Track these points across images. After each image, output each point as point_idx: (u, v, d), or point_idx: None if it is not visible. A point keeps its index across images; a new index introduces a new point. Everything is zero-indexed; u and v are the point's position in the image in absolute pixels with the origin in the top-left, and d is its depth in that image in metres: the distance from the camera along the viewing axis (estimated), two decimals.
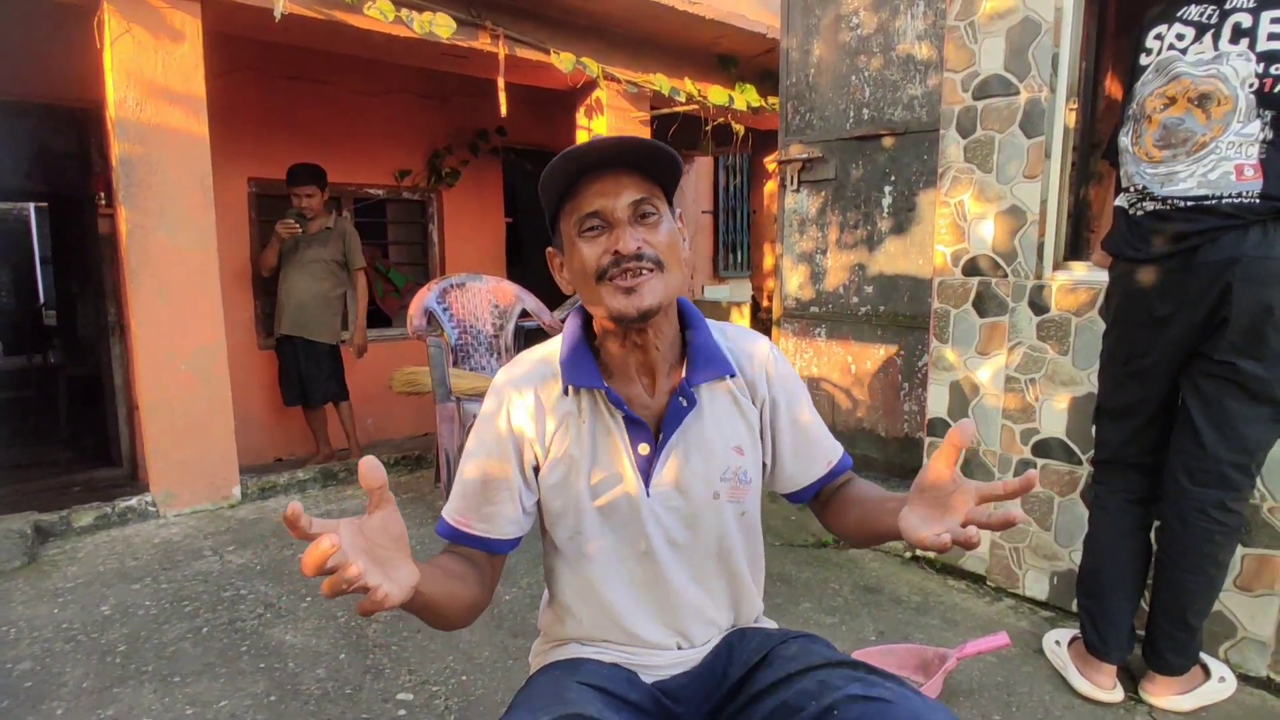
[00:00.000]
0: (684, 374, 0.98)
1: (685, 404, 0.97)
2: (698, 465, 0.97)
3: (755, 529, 1.05)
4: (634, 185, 0.90)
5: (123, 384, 3.88)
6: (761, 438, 1.03)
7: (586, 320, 1.01)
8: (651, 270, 0.90)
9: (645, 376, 0.99)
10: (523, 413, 0.97)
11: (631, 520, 0.97)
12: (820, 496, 1.08)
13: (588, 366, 0.97)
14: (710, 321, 1.05)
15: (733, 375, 1.00)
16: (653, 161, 0.91)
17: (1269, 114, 1.50)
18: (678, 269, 0.94)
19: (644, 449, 0.97)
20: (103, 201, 3.64)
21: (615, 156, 0.90)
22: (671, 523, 0.98)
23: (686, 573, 1.00)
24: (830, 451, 1.07)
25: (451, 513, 0.99)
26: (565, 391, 0.97)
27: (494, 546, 0.98)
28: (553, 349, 1.02)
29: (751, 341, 1.05)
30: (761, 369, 1.03)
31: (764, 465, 1.05)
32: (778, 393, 1.03)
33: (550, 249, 1.01)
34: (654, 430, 0.98)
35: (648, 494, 0.96)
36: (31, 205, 9.11)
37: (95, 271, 4.08)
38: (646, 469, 0.97)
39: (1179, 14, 1.61)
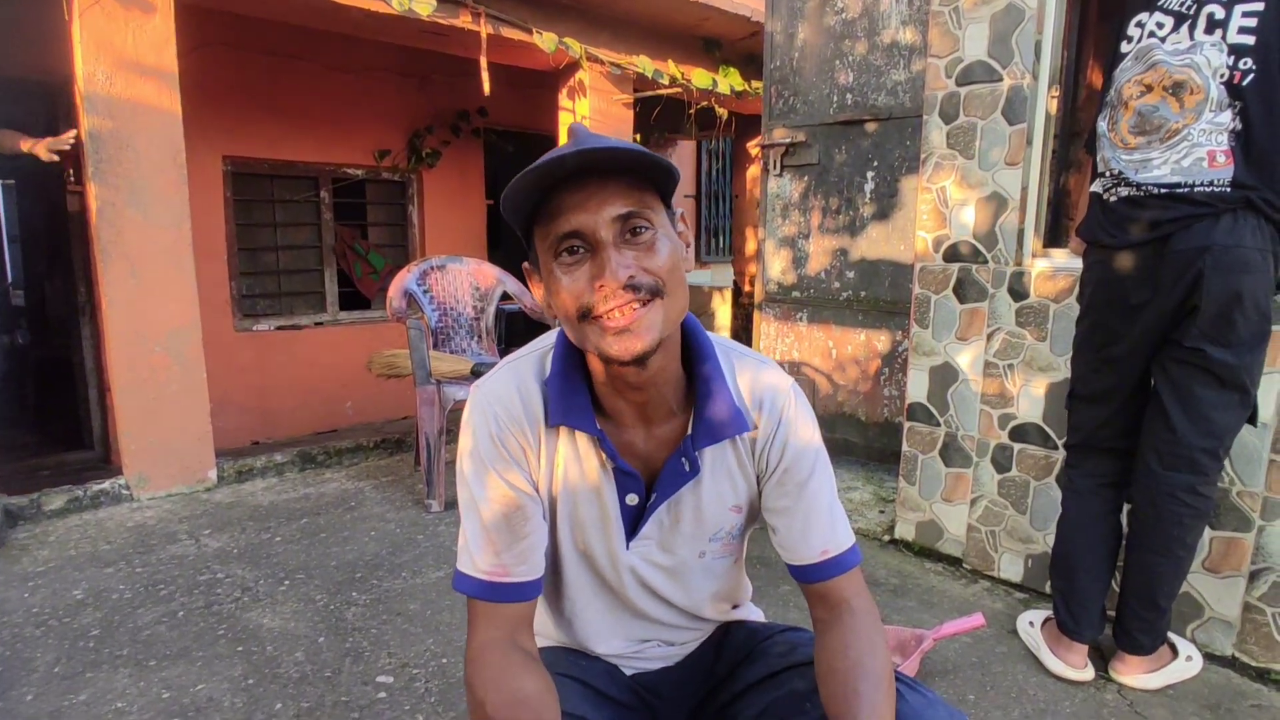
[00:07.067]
0: (689, 428, 0.85)
1: (687, 468, 0.85)
2: (688, 527, 0.90)
3: (741, 552, 1.00)
4: (620, 194, 0.73)
5: (94, 366, 3.80)
6: (759, 488, 0.92)
7: None
8: (648, 301, 0.74)
9: (640, 423, 0.86)
10: (512, 434, 0.84)
11: (609, 568, 0.91)
12: (813, 594, 0.90)
13: (580, 403, 0.83)
14: (717, 342, 0.89)
15: (745, 432, 0.86)
16: (643, 164, 0.74)
17: (1239, 104, 1.52)
18: (680, 292, 0.78)
19: (632, 499, 0.87)
20: (71, 178, 3.55)
21: (594, 164, 0.73)
22: (651, 574, 0.92)
23: (665, 609, 0.96)
24: (829, 539, 0.88)
25: (480, 565, 0.84)
26: (551, 423, 0.84)
27: (534, 590, 0.86)
28: (537, 361, 0.87)
29: (771, 387, 0.88)
30: (776, 418, 0.88)
31: (756, 510, 0.95)
32: (790, 451, 0.88)
33: (526, 265, 0.84)
34: (646, 483, 0.87)
35: (627, 547, 0.89)
36: None
37: (64, 250, 3.98)
38: (631, 521, 0.88)
39: (1160, 2, 1.62)
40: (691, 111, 4.65)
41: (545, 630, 1.01)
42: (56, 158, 2.73)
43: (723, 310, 5.81)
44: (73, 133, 2.70)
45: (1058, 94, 2.14)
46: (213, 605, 2.10)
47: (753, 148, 5.75)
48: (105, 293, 2.80)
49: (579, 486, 0.87)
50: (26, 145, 2.70)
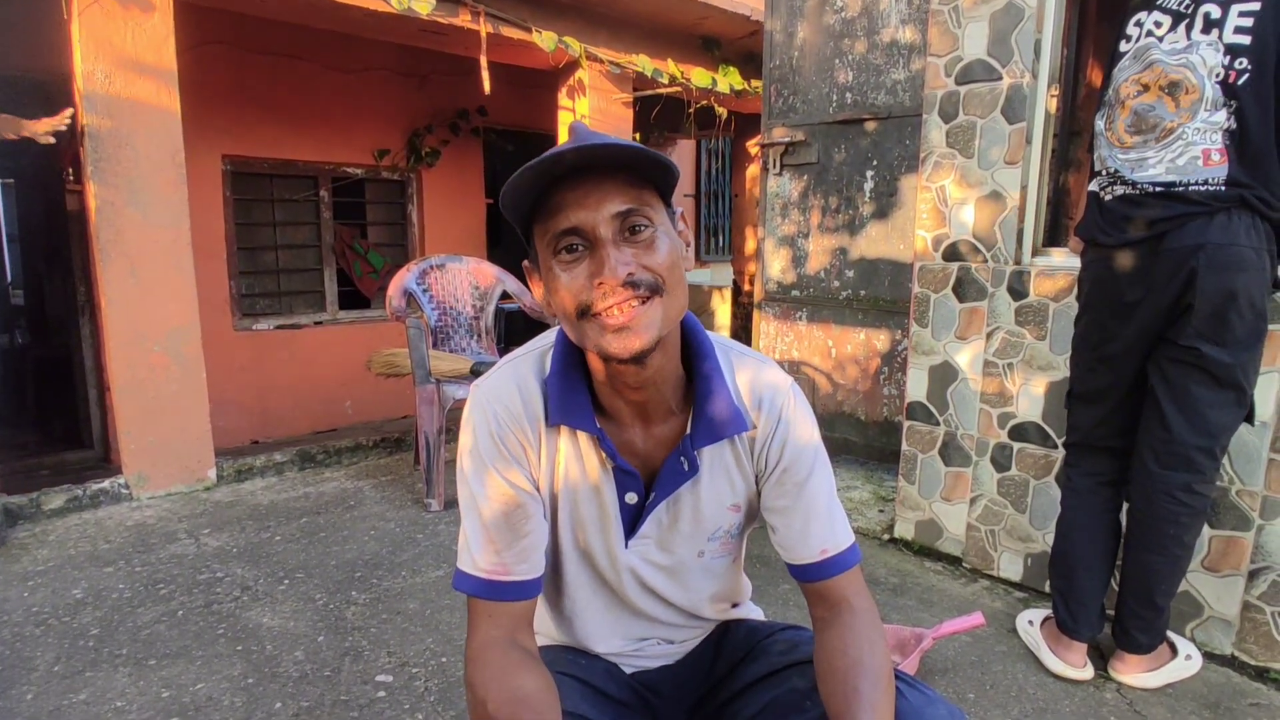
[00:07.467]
0: (688, 428, 0.85)
1: (685, 468, 0.85)
2: (686, 526, 0.90)
3: (740, 552, 1.00)
4: (619, 192, 0.73)
5: (93, 365, 3.80)
6: (758, 487, 0.91)
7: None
8: (647, 299, 0.74)
9: (639, 422, 0.86)
10: (512, 432, 0.85)
11: (608, 567, 0.91)
12: (813, 593, 0.90)
13: (580, 402, 0.83)
14: (717, 341, 0.89)
15: (744, 431, 0.86)
16: (642, 161, 0.74)
17: (1234, 104, 1.52)
18: (680, 290, 0.78)
19: (631, 498, 0.87)
20: (70, 177, 3.55)
21: (593, 160, 0.73)
22: (649, 574, 0.92)
23: (664, 608, 0.96)
24: (829, 539, 0.88)
25: (481, 563, 0.84)
26: (551, 422, 0.84)
27: (534, 589, 0.86)
28: (537, 360, 0.87)
29: (770, 386, 0.88)
30: (776, 417, 0.87)
31: (755, 509, 0.94)
32: (789, 450, 0.88)
33: (526, 263, 0.84)
34: (645, 482, 0.87)
35: (626, 545, 0.89)
36: None
37: (64, 250, 3.98)
38: (630, 520, 0.89)
39: (1159, 1, 1.62)
40: (691, 110, 4.65)
41: (545, 629, 1.01)
42: (53, 139, 2.70)
43: (722, 309, 5.81)
44: (69, 111, 2.67)
45: (1057, 93, 2.14)
46: (212, 604, 2.10)
47: (752, 147, 5.75)
48: (105, 292, 2.80)
49: (579, 485, 0.86)
50: (12, 134, 2.66)
